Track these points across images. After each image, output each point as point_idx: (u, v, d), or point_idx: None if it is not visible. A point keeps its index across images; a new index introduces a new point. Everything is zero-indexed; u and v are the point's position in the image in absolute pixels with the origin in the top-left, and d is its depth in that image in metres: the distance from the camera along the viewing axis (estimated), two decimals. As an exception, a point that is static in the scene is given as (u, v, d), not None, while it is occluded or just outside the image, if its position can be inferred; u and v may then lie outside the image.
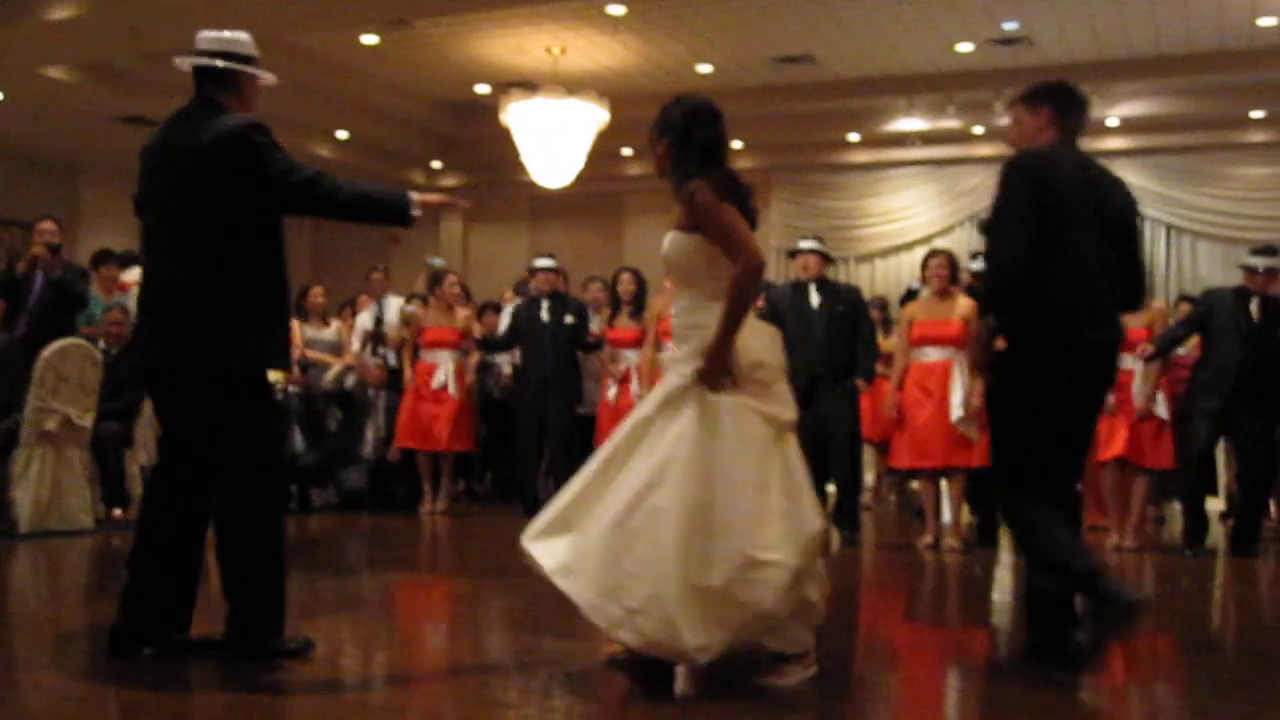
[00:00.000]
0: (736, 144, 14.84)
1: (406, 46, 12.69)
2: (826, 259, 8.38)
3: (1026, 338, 4.26)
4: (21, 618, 4.99)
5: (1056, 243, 4.14)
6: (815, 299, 8.06)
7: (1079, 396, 4.29)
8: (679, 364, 3.94)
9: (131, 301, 9.43)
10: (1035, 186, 4.16)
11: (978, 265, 8.34)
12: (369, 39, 12.34)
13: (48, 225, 8.49)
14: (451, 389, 9.36)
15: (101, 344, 8.36)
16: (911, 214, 15.72)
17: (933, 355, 7.72)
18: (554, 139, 12.71)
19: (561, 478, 9.70)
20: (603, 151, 13.51)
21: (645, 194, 16.26)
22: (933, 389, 7.64)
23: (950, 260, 7.94)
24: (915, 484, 8.83)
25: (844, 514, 7.96)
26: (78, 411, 7.61)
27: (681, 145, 4.03)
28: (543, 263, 9.69)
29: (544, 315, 9.31)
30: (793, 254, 8.51)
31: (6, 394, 7.52)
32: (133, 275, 9.92)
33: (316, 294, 10.49)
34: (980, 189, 15.31)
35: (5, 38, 11.05)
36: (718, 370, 3.80)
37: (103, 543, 7.43)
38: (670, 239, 3.99)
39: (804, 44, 12.37)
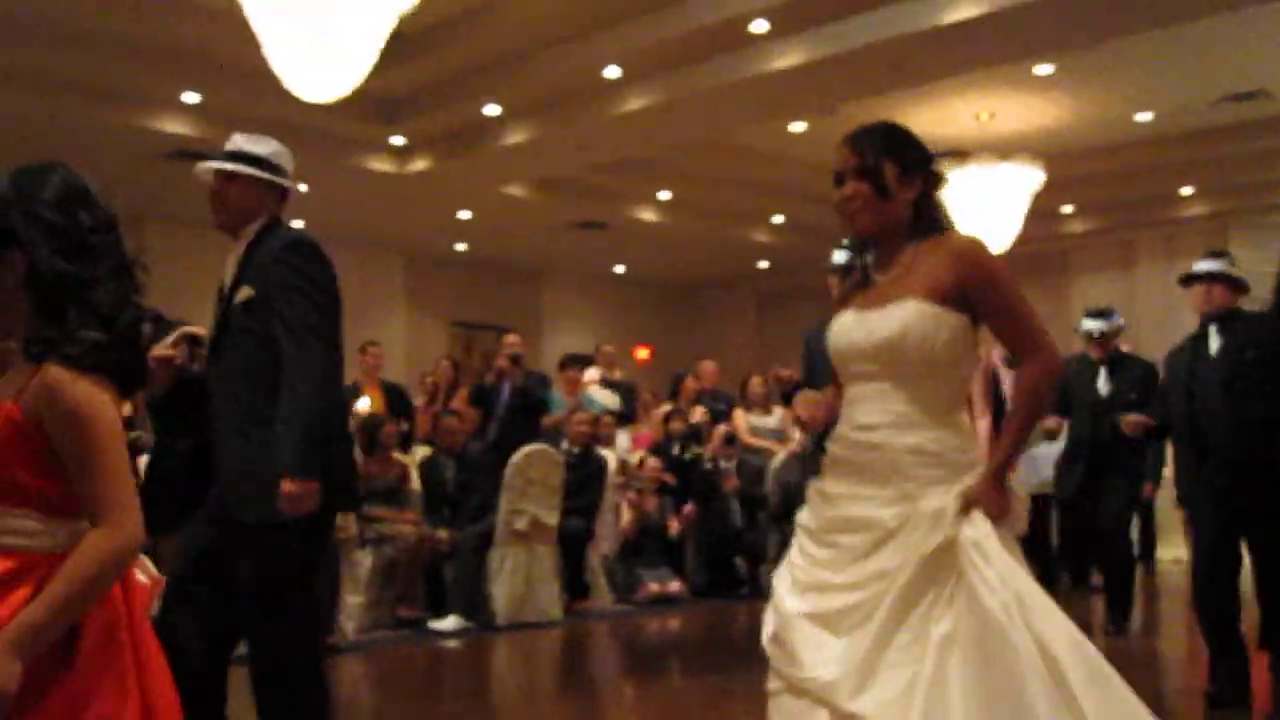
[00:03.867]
0: (1187, 189, 14.05)
1: (833, 129, 12.79)
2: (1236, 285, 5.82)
3: None
4: (504, 712, 5.38)
5: None
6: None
7: None
8: (919, 508, 2.65)
9: (601, 398, 10.06)
10: None
11: None
12: (797, 126, 12.62)
13: (512, 339, 9.21)
14: None
15: (565, 444, 8.94)
16: (1399, 247, 14.19)
17: None
18: (989, 205, 12.50)
19: None
20: (1042, 210, 13.14)
21: (1092, 250, 15.67)
22: None
23: None
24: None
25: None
26: (545, 511, 8.18)
27: (932, 185, 2.94)
28: None
29: None
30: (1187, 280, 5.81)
31: (483, 498, 8.18)
32: (591, 375, 10.58)
33: (756, 383, 10.77)
34: None
35: (471, 164, 12.18)
36: (998, 501, 2.66)
37: (571, 632, 7.93)
38: (916, 312, 2.74)
39: (1254, 79, 11.52)
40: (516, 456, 8.07)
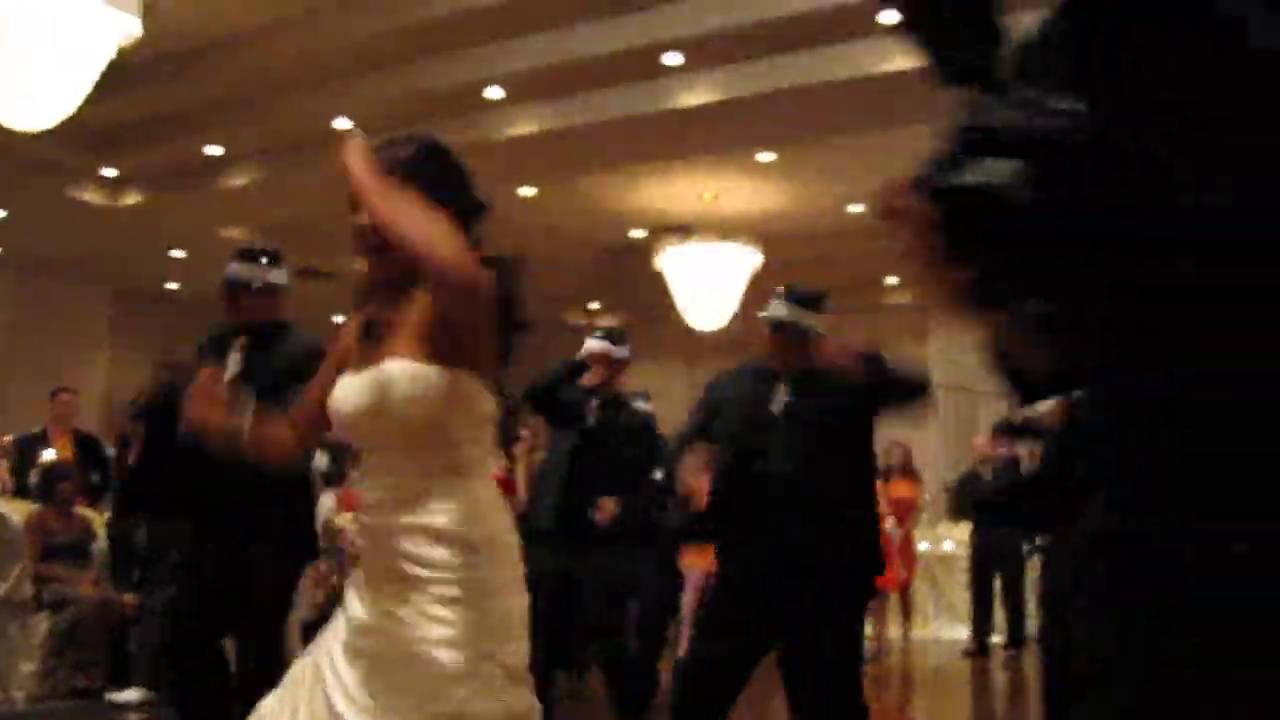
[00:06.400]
0: (892, 279, 14.82)
1: (563, 197, 12.96)
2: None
3: None
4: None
5: None
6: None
7: None
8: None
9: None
10: None
11: None
12: (526, 191, 12.66)
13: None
14: None
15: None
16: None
17: None
18: (708, 282, 12.81)
19: None
20: (759, 292, 13.56)
21: (803, 329, 16.26)
22: None
23: None
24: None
25: None
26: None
27: (470, 218, 2.47)
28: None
29: None
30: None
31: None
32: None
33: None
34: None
35: (188, 203, 11.74)
36: None
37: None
38: (396, 370, 2.34)
39: (958, 182, 12.28)
40: (215, 517, 7.70)
